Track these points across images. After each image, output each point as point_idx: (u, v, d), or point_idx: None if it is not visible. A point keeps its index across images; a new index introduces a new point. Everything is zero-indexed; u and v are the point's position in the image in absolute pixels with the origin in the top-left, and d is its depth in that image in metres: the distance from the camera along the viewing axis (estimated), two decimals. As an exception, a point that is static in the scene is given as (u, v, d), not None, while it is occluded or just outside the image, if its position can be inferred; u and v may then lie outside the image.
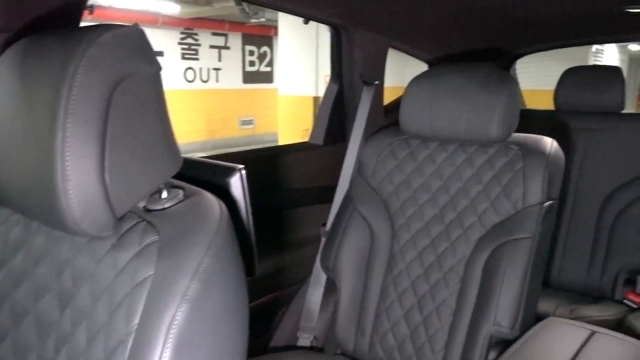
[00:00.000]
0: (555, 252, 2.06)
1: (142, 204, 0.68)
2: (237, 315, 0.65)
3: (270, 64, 10.76)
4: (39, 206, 0.63)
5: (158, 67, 0.65)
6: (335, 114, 1.75)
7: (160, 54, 8.49)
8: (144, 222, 0.66)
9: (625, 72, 1.98)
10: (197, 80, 9.55)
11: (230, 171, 0.78)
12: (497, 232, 1.26)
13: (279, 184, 1.64)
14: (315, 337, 1.54)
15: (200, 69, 9.56)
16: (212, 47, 9.71)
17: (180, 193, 0.68)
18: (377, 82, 1.65)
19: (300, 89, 6.95)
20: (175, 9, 7.90)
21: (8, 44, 0.82)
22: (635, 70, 14.73)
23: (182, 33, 9.06)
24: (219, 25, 9.29)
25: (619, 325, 1.72)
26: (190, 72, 9.39)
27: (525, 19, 1.83)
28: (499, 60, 2.34)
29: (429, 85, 1.36)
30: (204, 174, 0.81)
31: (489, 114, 1.26)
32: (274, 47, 10.02)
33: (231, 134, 10.16)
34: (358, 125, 1.62)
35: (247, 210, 0.78)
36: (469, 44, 2.08)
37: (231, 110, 10.18)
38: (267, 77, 10.72)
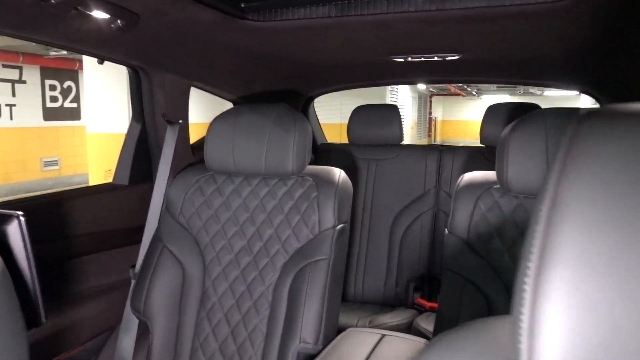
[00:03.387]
0: (356, 270, 2.29)
1: None
2: None
3: (76, 99, 10.01)
4: None
5: None
6: (140, 153, 1.73)
7: None
8: None
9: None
10: (-14, 118, 8.45)
11: (7, 219, 0.74)
12: (298, 256, 1.37)
13: (80, 228, 1.55)
14: None
15: (-11, 105, 8.49)
16: (3, 80, 8.70)
17: None
18: (181, 121, 1.69)
19: (112, 125, 6.55)
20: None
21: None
22: (424, 104, 17.14)
23: (-40, 65, 7.98)
24: (11, 57, 8.37)
25: (409, 328, 1.99)
26: (-26, 108, 8.27)
27: (317, 65, 2.05)
28: (296, 100, 2.55)
29: (230, 124, 1.44)
30: None
31: (284, 150, 1.39)
32: (80, 82, 9.36)
33: (32, 177, 9.15)
34: (164, 164, 1.63)
35: (28, 258, 0.74)
36: (269, 86, 2.24)
37: (31, 151, 9.22)
38: (73, 114, 9.94)
